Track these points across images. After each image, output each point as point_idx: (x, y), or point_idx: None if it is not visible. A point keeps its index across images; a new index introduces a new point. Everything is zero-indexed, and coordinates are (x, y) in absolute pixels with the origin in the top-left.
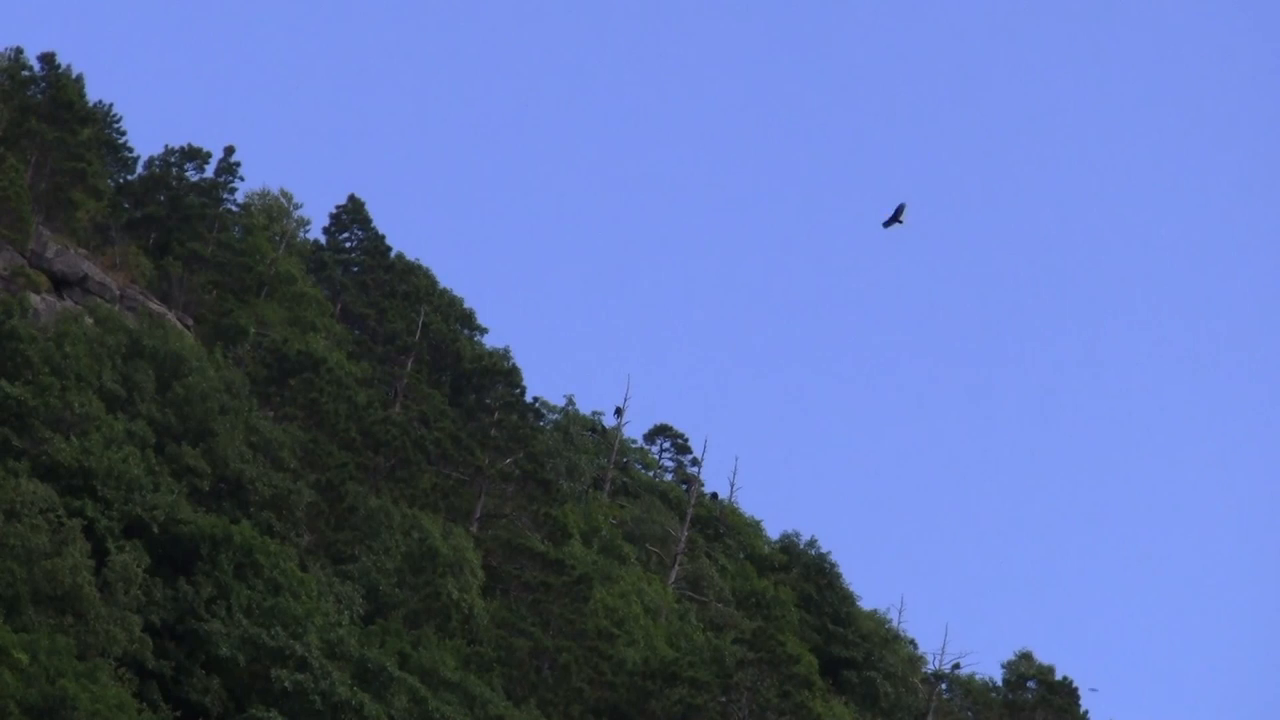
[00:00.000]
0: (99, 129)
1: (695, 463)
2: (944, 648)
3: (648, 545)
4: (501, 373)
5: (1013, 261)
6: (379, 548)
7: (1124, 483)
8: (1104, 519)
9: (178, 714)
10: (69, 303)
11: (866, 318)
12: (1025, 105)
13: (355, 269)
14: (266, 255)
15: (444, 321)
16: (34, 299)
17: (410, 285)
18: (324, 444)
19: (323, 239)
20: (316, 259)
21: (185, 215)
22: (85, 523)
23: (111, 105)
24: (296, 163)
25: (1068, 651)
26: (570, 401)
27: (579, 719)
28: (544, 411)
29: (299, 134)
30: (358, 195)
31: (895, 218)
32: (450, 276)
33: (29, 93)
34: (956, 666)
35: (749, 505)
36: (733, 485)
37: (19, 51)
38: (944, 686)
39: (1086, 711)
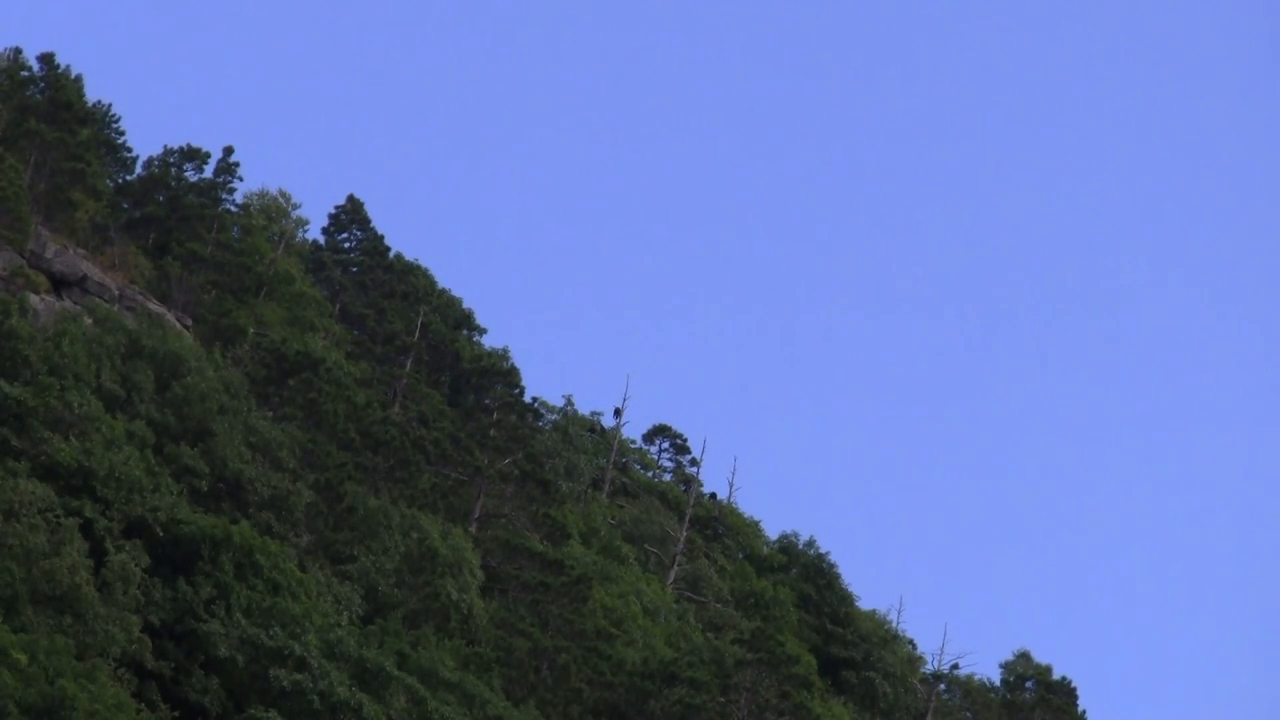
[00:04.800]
0: (98, 129)
1: (694, 463)
2: (943, 648)
3: (647, 546)
4: (500, 373)
5: (1012, 262)
6: (378, 548)
7: (1123, 482)
8: (1103, 519)
9: (176, 714)
10: (68, 303)
11: (866, 317)
12: (1027, 100)
13: (354, 269)
14: (265, 255)
15: (443, 322)
16: (33, 299)
17: (409, 285)
18: (323, 444)
19: (321, 239)
20: (315, 259)
21: (184, 215)
22: (83, 522)
23: (110, 105)
24: (295, 163)
25: (1066, 651)
26: (569, 402)
27: (578, 719)
28: (543, 412)
29: (298, 134)
30: (356, 195)
31: None
32: (449, 276)
33: (28, 93)
34: (955, 667)
35: (748, 505)
36: (731, 486)
37: (18, 51)
38: (943, 686)
39: (1085, 711)
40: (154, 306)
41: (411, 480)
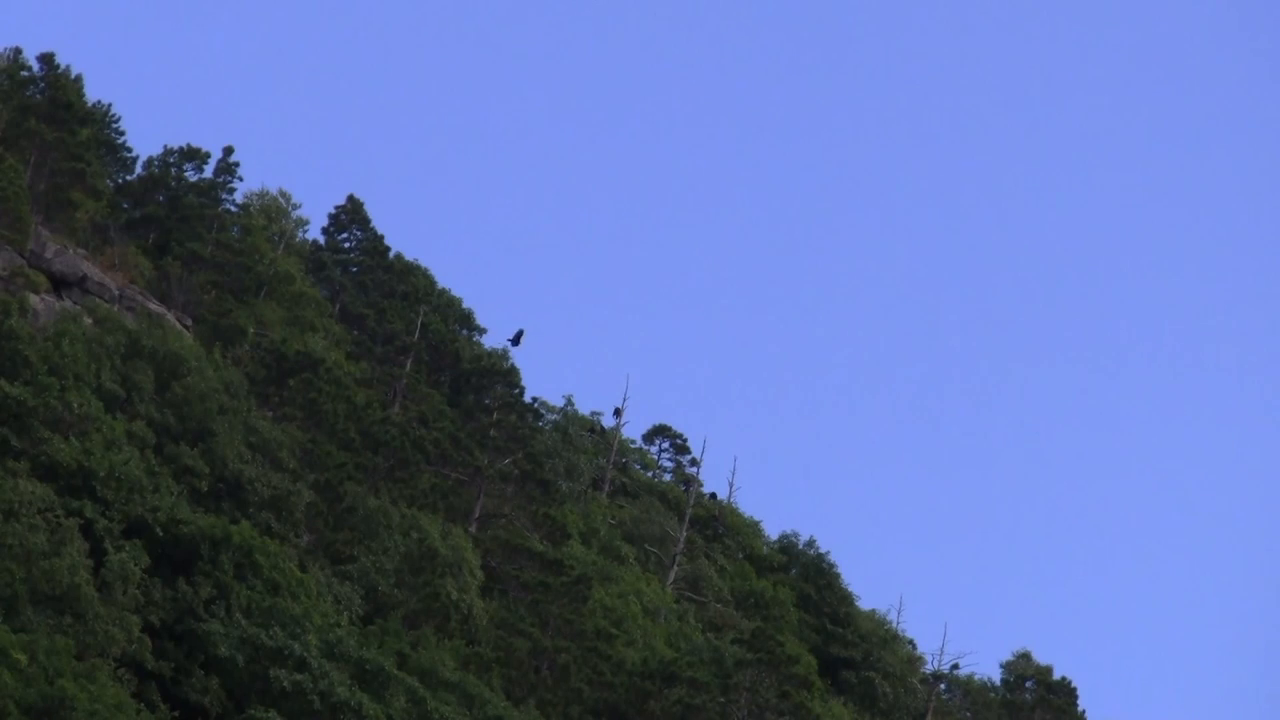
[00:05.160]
0: (98, 129)
1: (694, 463)
2: (943, 648)
3: (646, 545)
4: (500, 373)
5: (1011, 261)
6: (378, 548)
7: (1123, 483)
8: (1103, 519)
9: (176, 714)
10: (68, 303)
11: (866, 317)
12: (1026, 105)
13: (354, 269)
14: (265, 255)
15: (443, 322)
16: (33, 299)
17: (409, 285)
18: (323, 444)
19: (321, 239)
20: (315, 259)
21: (184, 215)
22: (83, 522)
23: (110, 105)
24: (295, 163)
25: (1067, 651)
26: (569, 402)
27: (578, 719)
28: (543, 412)
29: (298, 134)
30: (356, 195)
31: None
32: (449, 276)
33: (28, 93)
34: (955, 666)
35: (748, 505)
36: (731, 485)
37: (18, 51)
38: (943, 686)
39: (1084, 711)
40: (154, 306)
41: (411, 480)
